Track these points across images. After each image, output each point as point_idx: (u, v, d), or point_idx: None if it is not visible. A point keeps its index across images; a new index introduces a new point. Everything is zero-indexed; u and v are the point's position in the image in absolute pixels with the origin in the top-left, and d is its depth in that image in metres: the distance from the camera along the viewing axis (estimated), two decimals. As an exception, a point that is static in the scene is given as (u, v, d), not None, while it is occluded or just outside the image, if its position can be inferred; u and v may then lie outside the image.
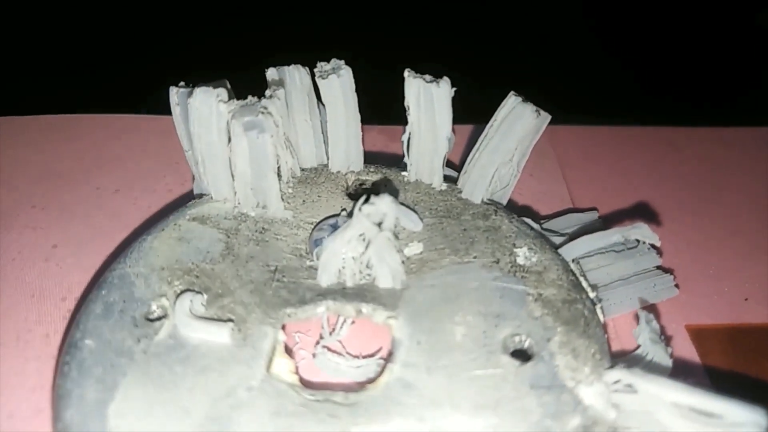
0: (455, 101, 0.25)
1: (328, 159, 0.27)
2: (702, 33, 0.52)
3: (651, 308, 0.24)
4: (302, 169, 0.27)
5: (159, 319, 0.21)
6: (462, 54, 0.45)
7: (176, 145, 0.26)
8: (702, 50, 0.50)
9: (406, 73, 0.24)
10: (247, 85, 0.25)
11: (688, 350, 0.24)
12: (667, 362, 0.21)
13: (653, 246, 0.25)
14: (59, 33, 0.51)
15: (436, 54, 0.25)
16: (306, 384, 0.21)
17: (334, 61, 0.25)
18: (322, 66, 0.25)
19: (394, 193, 0.26)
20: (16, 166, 0.32)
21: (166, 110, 0.25)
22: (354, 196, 0.26)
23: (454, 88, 0.24)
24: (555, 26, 0.54)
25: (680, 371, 0.22)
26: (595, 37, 0.52)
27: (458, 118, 0.27)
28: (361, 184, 0.27)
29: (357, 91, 0.26)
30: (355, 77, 0.25)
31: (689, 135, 0.34)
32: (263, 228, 0.25)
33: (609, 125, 0.35)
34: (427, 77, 0.24)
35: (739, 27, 0.52)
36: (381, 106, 0.27)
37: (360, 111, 0.26)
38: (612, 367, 0.20)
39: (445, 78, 0.23)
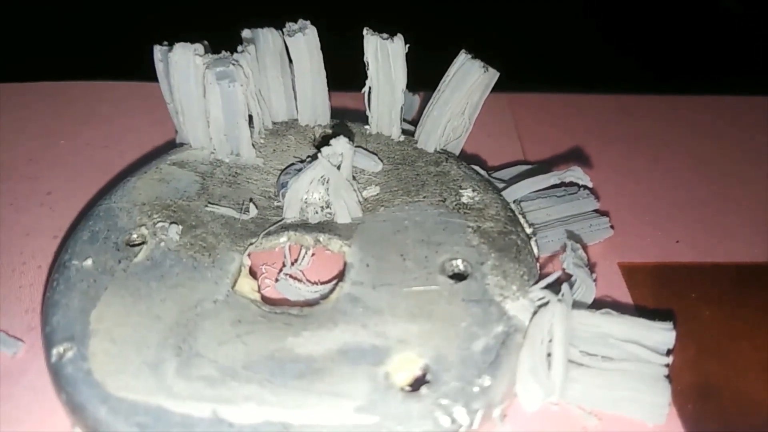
0: (426, 70, 0.28)
1: (297, 113, 0.30)
2: (667, 11, 0.55)
3: (586, 246, 0.27)
4: (274, 123, 0.30)
5: (139, 245, 0.24)
6: (434, 29, 0.47)
7: (161, 107, 0.29)
8: (666, 27, 0.53)
9: (365, 31, 0.26)
10: (225, 47, 0.27)
11: (618, 284, 0.26)
12: (590, 283, 0.23)
13: (591, 192, 0.28)
14: (56, 11, 0.54)
15: (410, 27, 0.27)
16: (267, 301, 0.23)
17: (300, 22, 0.27)
18: (290, 26, 0.27)
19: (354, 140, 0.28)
20: (15, 126, 0.34)
21: (151, 77, 0.28)
22: (320, 147, 0.29)
23: (408, 45, 0.26)
24: (525, 2, 0.57)
25: (610, 303, 0.25)
26: (559, 15, 0.55)
27: (425, 84, 0.30)
28: (326, 136, 0.29)
29: (332, 59, 0.28)
30: (331, 47, 0.28)
31: (638, 101, 0.37)
32: (236, 172, 0.27)
33: (565, 93, 0.37)
34: (384, 35, 0.26)
35: (704, 7, 0.55)
36: (353, 74, 0.29)
37: (333, 77, 0.29)
38: (535, 284, 0.22)
39: (399, 35, 0.26)
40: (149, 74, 0.28)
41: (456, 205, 0.25)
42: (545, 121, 0.35)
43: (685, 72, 0.46)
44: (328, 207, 0.25)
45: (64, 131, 0.34)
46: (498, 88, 0.27)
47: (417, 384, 0.20)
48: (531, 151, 0.33)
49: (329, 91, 0.29)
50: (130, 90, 0.37)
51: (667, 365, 0.21)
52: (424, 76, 0.29)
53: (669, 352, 0.21)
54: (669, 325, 0.21)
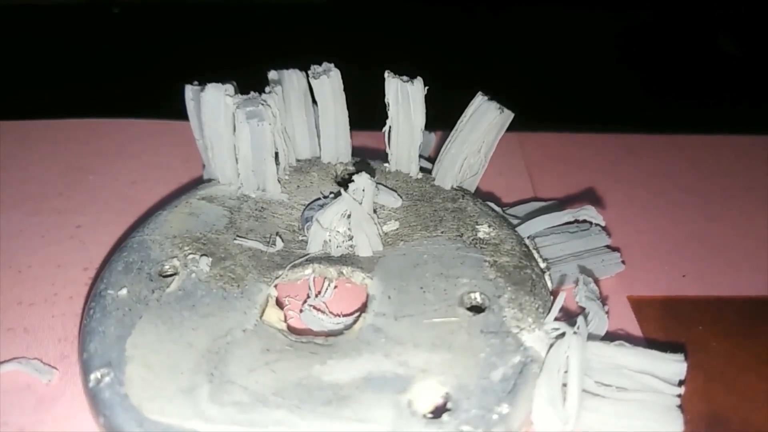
0: (442, 109, 0.29)
1: (320, 151, 0.31)
2: (669, 54, 0.57)
3: (598, 280, 0.28)
4: (298, 160, 0.31)
5: (171, 275, 0.25)
6: (450, 70, 0.49)
7: (188, 145, 0.30)
8: (668, 69, 0.55)
9: (386, 74, 0.28)
10: (250, 86, 0.29)
11: (628, 317, 0.27)
12: (603, 316, 0.24)
13: (602, 228, 0.29)
14: (85, 50, 0.56)
15: (427, 68, 0.29)
16: (293, 330, 0.24)
17: (325, 64, 0.29)
18: (314, 68, 0.29)
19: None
20: (45, 161, 0.36)
21: (177, 116, 0.29)
22: (342, 184, 0.30)
23: (427, 87, 0.28)
24: (534, 47, 0.59)
25: (621, 335, 0.26)
26: (565, 58, 0.57)
27: (439, 121, 0.31)
28: (348, 174, 0.31)
29: (350, 100, 0.30)
30: (350, 90, 0.29)
31: (643, 140, 0.38)
32: (262, 207, 0.29)
33: (572, 132, 0.39)
34: (404, 77, 0.28)
35: (702, 48, 0.57)
36: (371, 115, 0.31)
37: (351, 117, 0.30)
38: (549, 314, 0.23)
39: (419, 77, 0.27)
40: (176, 112, 0.30)
41: (473, 240, 0.27)
42: (555, 160, 0.37)
43: (687, 112, 0.48)
44: (350, 240, 0.27)
45: (93, 167, 0.35)
46: (509, 127, 0.29)
47: (438, 411, 0.21)
48: (541, 188, 0.34)
49: (350, 130, 0.31)
50: (157, 127, 0.39)
51: (679, 395, 0.22)
52: (437, 115, 0.30)
53: (681, 383, 0.22)
54: (680, 356, 0.22)
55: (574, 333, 0.22)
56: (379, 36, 0.58)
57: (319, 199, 0.29)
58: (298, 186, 0.30)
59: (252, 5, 0.64)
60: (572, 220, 0.28)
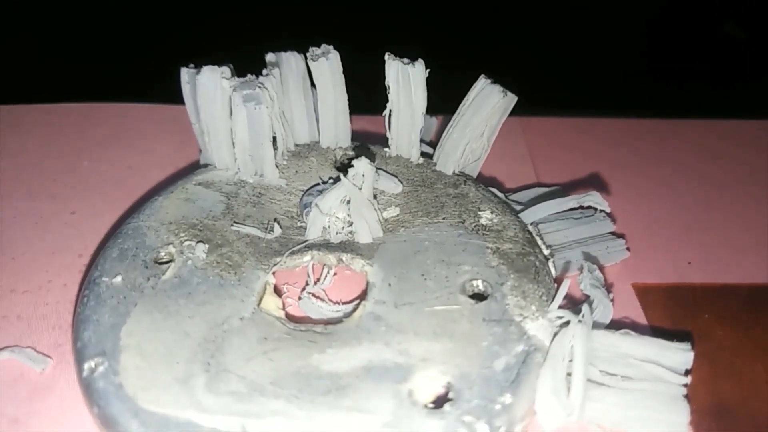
0: (444, 93, 0.28)
1: (319, 135, 0.31)
2: (674, 38, 0.56)
3: (603, 267, 0.27)
4: (296, 144, 0.31)
5: (166, 262, 0.25)
6: (452, 53, 0.48)
7: (184, 130, 0.29)
8: (673, 53, 0.54)
9: (386, 56, 0.27)
10: (248, 69, 0.28)
11: (633, 305, 0.26)
12: (608, 304, 0.24)
13: (607, 214, 0.29)
14: (79, 34, 0.56)
15: (429, 51, 0.28)
16: (291, 319, 0.24)
17: (324, 46, 0.28)
18: (313, 50, 0.28)
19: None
20: (39, 147, 0.35)
21: (174, 99, 0.28)
22: (341, 169, 0.29)
23: (428, 69, 0.27)
24: (538, 31, 0.58)
25: (626, 323, 0.25)
26: (568, 42, 0.56)
27: (440, 106, 0.31)
28: (348, 158, 0.30)
29: (350, 82, 0.29)
30: (349, 72, 0.29)
31: (648, 126, 0.38)
32: (260, 193, 0.28)
33: (575, 117, 0.38)
34: (405, 60, 0.27)
35: (708, 34, 0.56)
36: (371, 98, 0.30)
37: (351, 100, 0.30)
38: (553, 302, 0.23)
39: (420, 60, 0.27)
40: (172, 96, 0.29)
41: (475, 226, 0.26)
42: (558, 145, 0.36)
43: (692, 97, 0.47)
44: (350, 227, 0.26)
45: (87, 152, 0.35)
46: (511, 111, 0.28)
47: (440, 401, 0.20)
48: (544, 174, 0.34)
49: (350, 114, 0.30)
50: (153, 112, 0.38)
51: (686, 385, 0.21)
52: (439, 98, 0.30)
53: (687, 372, 0.21)
54: (687, 345, 0.22)
55: (579, 321, 0.21)
56: (379, 17, 0.57)
57: (318, 184, 0.28)
58: (297, 171, 0.29)
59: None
60: (576, 206, 0.27)
